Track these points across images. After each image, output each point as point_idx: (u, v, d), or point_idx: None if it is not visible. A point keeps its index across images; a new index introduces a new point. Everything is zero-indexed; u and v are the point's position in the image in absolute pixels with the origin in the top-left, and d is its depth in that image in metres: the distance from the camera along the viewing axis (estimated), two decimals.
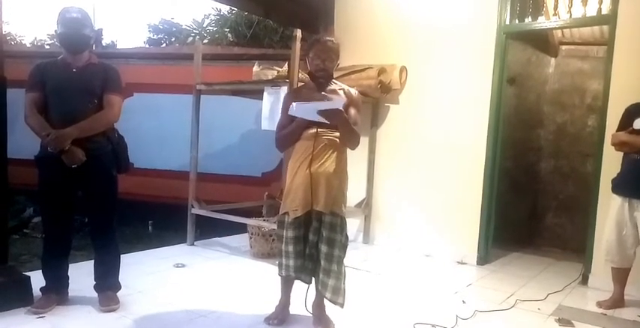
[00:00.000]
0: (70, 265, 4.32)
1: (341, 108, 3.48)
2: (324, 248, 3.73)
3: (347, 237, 3.84)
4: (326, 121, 3.49)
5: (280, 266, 3.90)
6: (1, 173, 4.19)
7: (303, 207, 3.72)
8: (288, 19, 7.54)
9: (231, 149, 8.71)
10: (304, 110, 3.48)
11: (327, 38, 3.77)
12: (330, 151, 3.71)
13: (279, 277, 3.99)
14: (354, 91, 3.83)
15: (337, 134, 3.67)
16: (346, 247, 3.83)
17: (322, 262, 3.74)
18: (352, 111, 3.69)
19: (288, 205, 3.79)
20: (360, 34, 6.95)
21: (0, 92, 4.14)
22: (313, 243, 3.78)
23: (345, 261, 3.81)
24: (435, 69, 6.43)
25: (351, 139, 3.69)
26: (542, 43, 7.60)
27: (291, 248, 3.78)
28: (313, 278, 3.88)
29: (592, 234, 5.44)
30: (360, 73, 6.36)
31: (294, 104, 3.51)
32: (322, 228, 3.73)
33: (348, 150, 3.80)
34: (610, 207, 4.78)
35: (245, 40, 12.42)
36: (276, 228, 4.02)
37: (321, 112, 3.41)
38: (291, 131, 3.72)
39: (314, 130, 3.66)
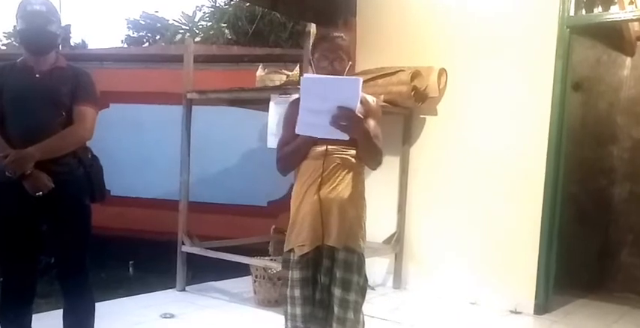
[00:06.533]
0: (33, 316, 4.31)
1: (360, 83, 3.42)
2: (337, 292, 3.68)
3: (366, 279, 3.81)
4: (341, 137, 3.47)
5: (286, 316, 3.87)
6: None
7: (312, 242, 3.68)
8: (299, 11, 7.57)
9: (229, 172, 8.75)
10: (313, 109, 3.41)
11: (336, 34, 3.75)
12: (344, 173, 3.68)
13: None
14: (371, 99, 3.81)
15: (352, 152, 3.66)
16: (365, 291, 3.79)
17: (336, 309, 3.70)
18: (371, 122, 3.65)
19: (294, 240, 3.76)
20: (389, 29, 6.98)
21: None
22: (325, 286, 3.74)
23: (371, 310, 3.80)
24: (481, 72, 6.44)
25: (371, 156, 3.67)
26: (616, 38, 7.58)
27: (297, 292, 3.74)
28: None
29: None
30: (390, 78, 6.37)
31: (304, 76, 3.49)
32: (335, 267, 3.69)
33: (374, 174, 3.78)
34: None
35: (246, 37, 12.55)
36: (281, 268, 4.01)
37: (334, 122, 3.38)
38: (294, 148, 3.69)
39: (323, 147, 3.64)
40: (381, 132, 3.75)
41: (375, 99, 3.86)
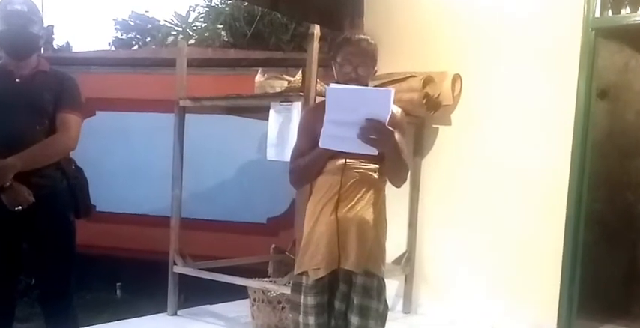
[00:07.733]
0: None
1: (392, 94, 3.37)
2: (355, 319, 3.66)
3: (386, 305, 3.79)
4: (369, 151, 3.43)
5: None
6: None
7: (328, 265, 3.64)
8: (302, 12, 7.57)
9: (225, 186, 8.73)
10: (340, 122, 3.36)
11: (361, 37, 3.74)
12: (364, 190, 3.64)
13: None
14: (395, 109, 3.74)
15: (373, 166, 3.63)
16: (385, 318, 3.78)
17: None
18: (396, 135, 3.59)
19: (307, 262, 3.72)
20: (399, 31, 6.96)
21: None
22: (341, 313, 3.72)
23: None
24: (498, 78, 6.42)
25: (398, 172, 3.65)
26: None
27: (311, 320, 3.70)
28: None
29: None
30: (400, 84, 6.34)
31: (329, 86, 3.46)
32: (353, 292, 3.67)
33: (386, 189, 3.75)
34: None
35: (244, 40, 12.53)
36: (289, 292, 3.97)
37: (363, 135, 3.33)
38: (310, 160, 3.67)
39: (342, 161, 3.60)
40: (407, 146, 3.73)
41: (399, 109, 3.82)
